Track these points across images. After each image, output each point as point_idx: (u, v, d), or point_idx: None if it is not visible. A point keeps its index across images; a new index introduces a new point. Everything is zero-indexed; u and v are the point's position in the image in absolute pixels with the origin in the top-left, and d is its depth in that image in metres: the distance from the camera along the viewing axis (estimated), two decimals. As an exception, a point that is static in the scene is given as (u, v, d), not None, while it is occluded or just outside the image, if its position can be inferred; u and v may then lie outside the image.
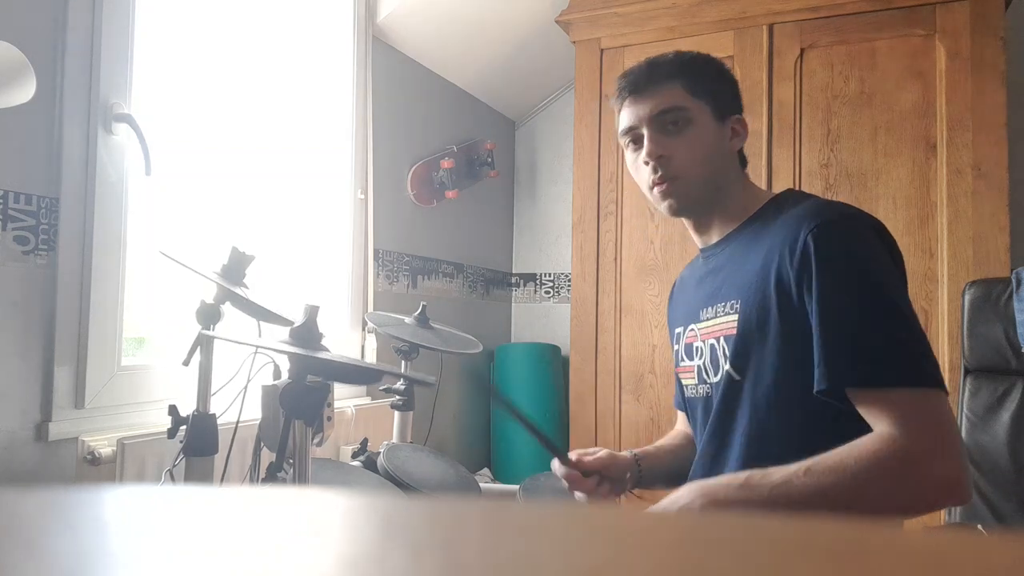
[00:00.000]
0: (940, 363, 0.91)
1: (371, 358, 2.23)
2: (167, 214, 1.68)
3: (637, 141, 1.06)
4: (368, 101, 2.28)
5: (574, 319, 2.36)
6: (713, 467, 1.03)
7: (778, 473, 0.86)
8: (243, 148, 1.88)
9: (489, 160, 2.81)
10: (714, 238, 1.10)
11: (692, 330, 1.10)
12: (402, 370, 1.58)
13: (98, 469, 1.41)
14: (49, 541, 0.19)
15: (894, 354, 0.87)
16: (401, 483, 1.26)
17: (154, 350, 1.71)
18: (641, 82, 1.04)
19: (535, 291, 3.21)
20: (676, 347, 1.15)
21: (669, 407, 2.13)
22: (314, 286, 2.12)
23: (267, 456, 1.10)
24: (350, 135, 2.25)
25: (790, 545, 0.20)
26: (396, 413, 1.60)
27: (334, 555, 0.19)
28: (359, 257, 2.27)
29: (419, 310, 1.64)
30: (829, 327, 0.89)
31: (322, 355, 1.00)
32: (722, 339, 1.02)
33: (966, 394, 1.53)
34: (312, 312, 1.05)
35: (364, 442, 1.50)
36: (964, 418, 1.52)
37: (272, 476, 1.06)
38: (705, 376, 1.06)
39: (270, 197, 1.97)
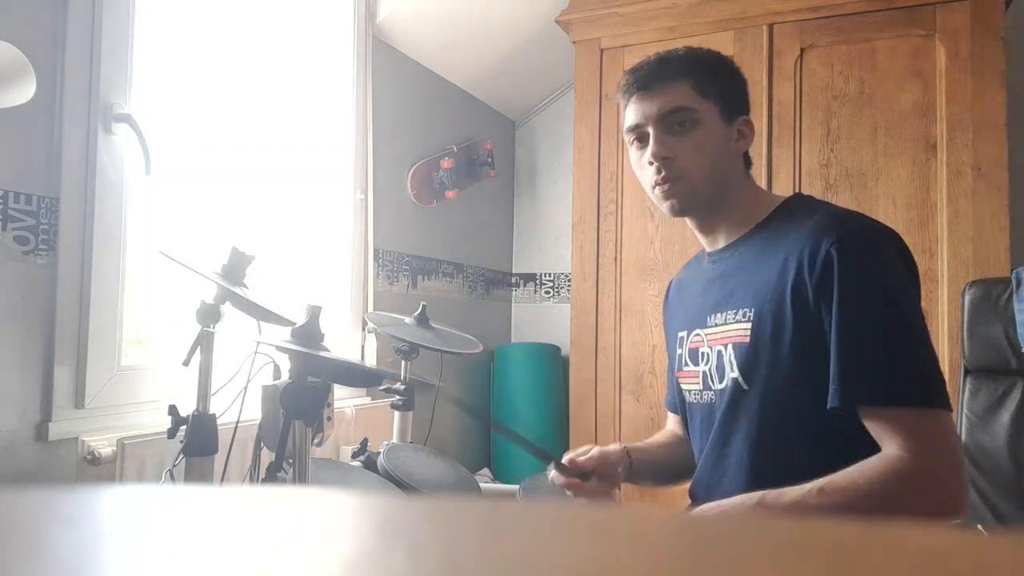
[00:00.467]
0: (940, 363, 0.92)
1: (371, 358, 2.22)
2: (167, 214, 1.68)
3: (642, 139, 1.04)
4: (368, 101, 2.28)
5: (574, 319, 2.36)
6: (716, 473, 1.02)
7: (792, 493, 0.86)
8: (243, 148, 1.88)
9: (489, 160, 2.81)
10: (721, 242, 1.08)
11: (698, 335, 1.08)
12: (402, 370, 1.58)
13: (98, 469, 1.41)
14: (49, 541, 0.19)
15: (908, 375, 0.88)
16: (401, 483, 1.26)
17: (154, 350, 1.71)
18: (650, 79, 1.02)
19: (535, 291, 3.21)
20: (679, 351, 1.14)
21: (669, 407, 2.13)
22: (314, 286, 2.12)
23: (267, 456, 1.10)
24: (350, 135, 2.25)
25: (790, 545, 0.20)
26: (396, 413, 1.60)
27: (334, 555, 0.19)
28: (359, 257, 2.27)
29: (419, 310, 1.64)
30: (847, 344, 0.89)
31: (325, 355, 1.00)
32: (730, 346, 1.00)
33: (966, 394, 1.53)
34: (314, 312, 1.05)
35: (364, 442, 1.50)
36: (964, 418, 1.52)
37: (272, 476, 1.06)
38: (710, 383, 1.05)
39: (270, 197, 1.97)
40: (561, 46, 2.57)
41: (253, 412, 1.17)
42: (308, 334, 1.04)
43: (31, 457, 1.37)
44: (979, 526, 1.43)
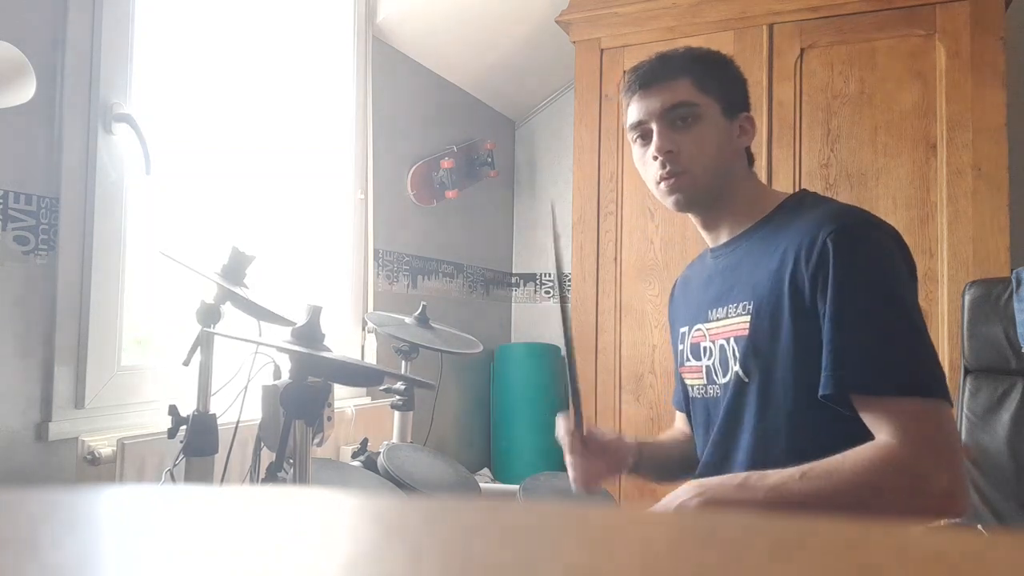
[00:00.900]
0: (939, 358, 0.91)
1: (371, 358, 2.23)
2: (167, 214, 1.68)
3: (645, 136, 1.05)
4: (368, 101, 2.28)
5: (574, 319, 2.36)
6: (721, 469, 1.02)
7: (775, 476, 0.86)
8: (243, 148, 1.88)
9: (489, 160, 2.81)
10: (724, 237, 1.09)
11: (699, 330, 1.09)
12: (402, 370, 1.58)
13: (98, 469, 1.41)
14: (49, 541, 0.19)
15: (901, 363, 0.88)
16: (401, 483, 1.26)
17: (154, 350, 1.71)
18: (651, 76, 1.04)
19: (535, 291, 3.21)
20: (681, 347, 1.14)
21: (669, 407, 2.12)
22: (314, 286, 2.12)
23: (267, 456, 1.11)
24: (350, 135, 2.25)
25: (789, 545, 0.20)
26: (396, 413, 1.60)
27: (334, 555, 0.19)
28: (359, 257, 2.27)
29: (419, 310, 1.65)
30: (839, 332, 0.89)
31: (326, 355, 1.00)
32: (732, 340, 1.01)
33: (966, 394, 1.53)
34: (315, 312, 1.05)
35: (364, 442, 1.50)
36: (964, 418, 1.52)
37: (272, 476, 1.06)
38: (714, 377, 1.05)
39: (270, 197, 1.97)
40: (561, 46, 2.57)
41: (253, 412, 1.17)
42: (308, 334, 1.04)
43: (31, 457, 1.37)
44: (979, 526, 1.43)
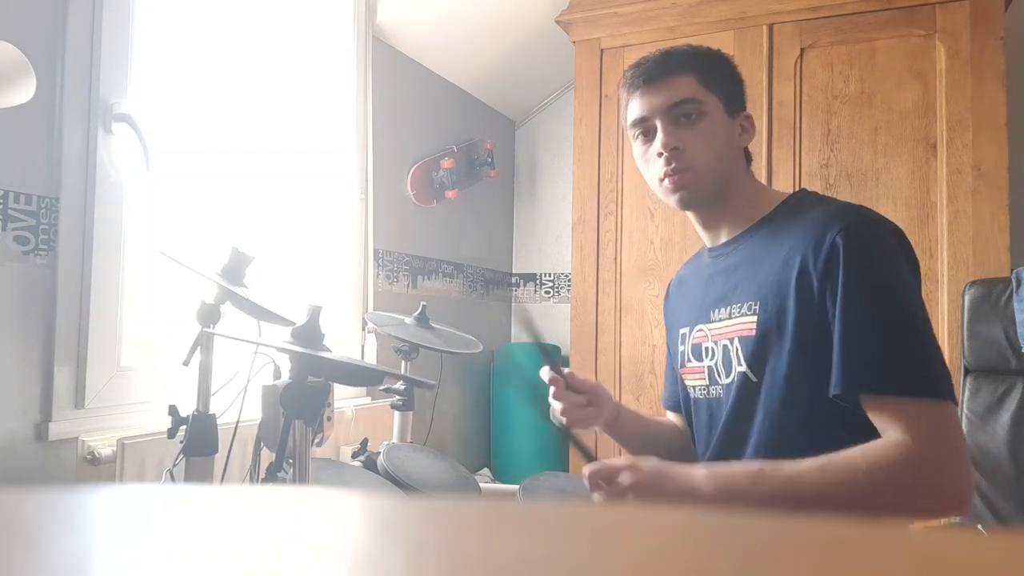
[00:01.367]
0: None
1: (371, 358, 2.22)
2: (167, 214, 1.68)
3: (647, 133, 1.04)
4: (368, 101, 2.28)
5: (574, 319, 2.36)
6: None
7: (790, 467, 0.86)
8: (243, 148, 1.88)
9: (489, 160, 2.81)
10: (723, 236, 1.08)
11: (701, 330, 1.08)
12: (402, 370, 1.58)
13: (98, 469, 1.41)
14: (49, 541, 0.19)
15: (911, 364, 0.88)
16: (401, 483, 1.26)
17: (154, 350, 1.71)
18: (655, 72, 1.02)
19: (535, 291, 3.21)
20: (681, 348, 1.13)
21: (669, 407, 2.13)
22: (314, 286, 2.12)
23: (267, 456, 1.10)
24: (350, 135, 2.25)
25: (790, 545, 0.20)
26: (396, 413, 1.60)
27: (334, 555, 0.19)
28: (359, 257, 2.27)
29: (419, 310, 1.64)
30: (849, 332, 0.89)
31: (325, 355, 1.00)
32: (737, 340, 1.00)
33: (966, 394, 1.53)
34: (315, 312, 1.05)
35: (364, 442, 1.50)
36: (964, 418, 1.52)
37: (272, 476, 1.06)
38: (717, 377, 1.05)
39: (270, 197, 1.97)
40: (561, 46, 2.57)
41: (253, 412, 1.17)
42: (308, 334, 1.04)
43: (31, 457, 1.37)
44: (979, 526, 1.43)
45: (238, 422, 1.26)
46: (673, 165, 1.01)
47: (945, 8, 1.96)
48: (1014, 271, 1.48)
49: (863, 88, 2.05)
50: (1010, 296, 1.47)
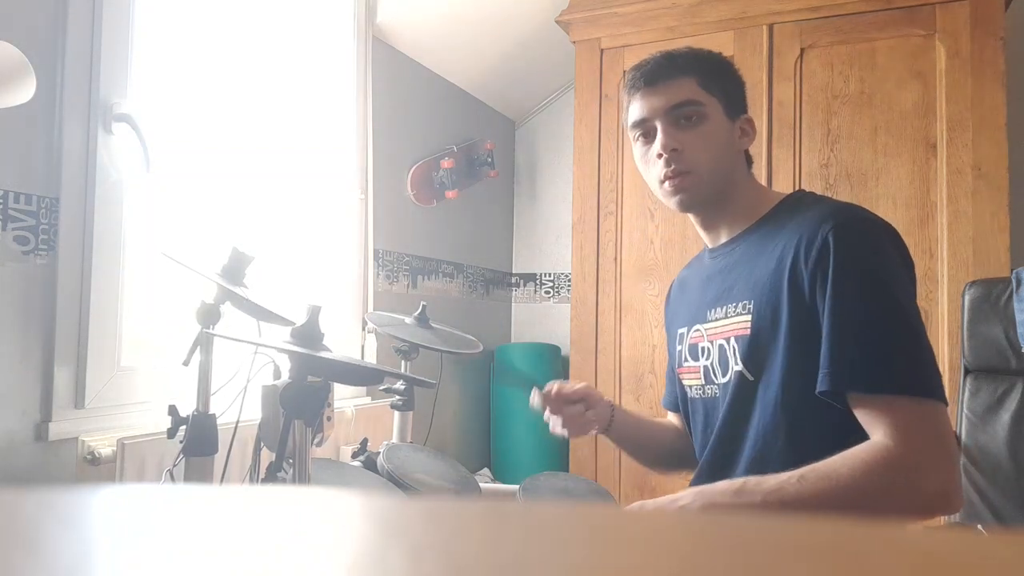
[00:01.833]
0: (940, 363, 0.91)
1: (371, 358, 2.22)
2: (167, 214, 1.68)
3: (648, 134, 1.04)
4: (368, 101, 2.28)
5: (574, 319, 2.36)
6: (724, 467, 1.02)
7: (772, 480, 0.86)
8: (243, 148, 1.88)
9: (489, 160, 2.81)
10: (723, 237, 1.09)
11: (698, 330, 1.09)
12: (402, 370, 1.58)
13: (98, 469, 1.41)
14: (49, 541, 0.19)
15: (898, 363, 0.88)
16: (401, 483, 1.26)
17: (154, 350, 1.71)
18: (656, 74, 1.03)
19: (535, 291, 3.21)
20: (679, 348, 1.14)
21: (669, 407, 2.13)
22: (314, 286, 2.12)
23: (267, 456, 1.10)
24: (350, 135, 2.25)
25: (790, 545, 0.20)
26: (396, 413, 1.60)
27: (334, 555, 0.19)
28: (359, 257, 2.27)
29: (419, 310, 1.64)
30: (838, 329, 0.89)
31: (325, 355, 1.00)
32: (732, 339, 1.01)
33: (966, 394, 1.53)
34: (315, 312, 1.05)
35: (364, 442, 1.50)
36: (964, 418, 1.52)
37: (272, 476, 1.06)
38: (712, 377, 1.05)
39: (270, 197, 1.97)
40: (561, 46, 2.57)
41: (253, 412, 1.17)
42: (308, 334, 1.04)
43: (31, 457, 1.37)
44: (979, 526, 1.43)
45: (238, 422, 1.26)
46: (673, 167, 1.01)
47: (945, 8, 1.96)
48: (1014, 271, 1.48)
49: (863, 88, 2.05)
50: (1010, 296, 1.47)
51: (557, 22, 2.42)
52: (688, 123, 1.01)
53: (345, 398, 2.09)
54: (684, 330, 1.13)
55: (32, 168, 1.38)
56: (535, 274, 3.22)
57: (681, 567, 0.19)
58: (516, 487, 1.34)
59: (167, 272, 1.63)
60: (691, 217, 1.11)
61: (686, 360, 1.12)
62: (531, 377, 2.80)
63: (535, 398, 1.13)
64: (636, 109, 1.05)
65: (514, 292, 3.25)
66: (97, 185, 1.47)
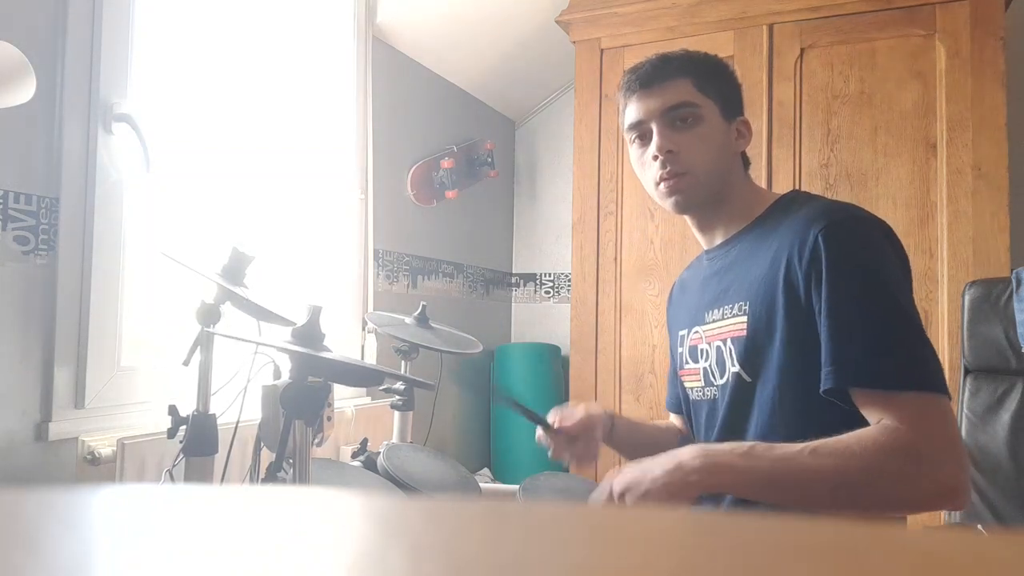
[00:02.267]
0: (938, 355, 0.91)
1: (371, 358, 2.22)
2: (167, 214, 1.68)
3: (644, 136, 1.04)
4: (368, 101, 2.28)
5: (574, 319, 2.36)
6: None
7: (782, 448, 0.85)
8: (243, 148, 1.88)
9: (489, 160, 2.81)
10: (718, 239, 1.09)
11: (696, 332, 1.09)
12: (402, 370, 1.58)
13: (98, 469, 1.41)
14: (49, 541, 0.19)
15: (901, 357, 0.87)
16: (401, 483, 1.26)
17: (154, 350, 1.71)
18: (652, 76, 1.03)
19: (535, 291, 3.21)
20: (680, 350, 1.14)
21: (669, 407, 2.13)
22: (314, 286, 2.12)
23: (267, 456, 1.10)
24: (350, 135, 2.25)
25: (790, 545, 0.20)
26: (396, 413, 1.60)
27: (334, 555, 0.19)
28: (359, 257, 2.27)
29: (419, 310, 1.64)
30: (837, 327, 0.89)
31: (325, 355, 1.00)
32: (729, 341, 1.01)
33: (966, 394, 1.53)
34: (315, 312, 1.05)
35: (364, 442, 1.50)
36: (964, 418, 1.52)
37: (272, 476, 1.06)
38: (711, 378, 1.05)
39: (270, 197, 1.97)
40: (561, 46, 2.57)
41: (253, 412, 1.17)
42: (308, 334, 1.04)
43: (31, 457, 1.37)
44: (979, 526, 1.43)
45: (238, 422, 1.26)
46: (669, 168, 1.01)
47: (945, 8, 1.96)
48: (1014, 271, 1.48)
49: (863, 88, 2.05)
50: (1010, 296, 1.47)
51: (557, 22, 2.42)
52: (684, 125, 1.02)
53: (345, 398, 2.09)
54: (684, 332, 1.13)
55: (32, 168, 1.38)
56: (535, 274, 3.22)
57: (681, 567, 0.19)
58: (516, 487, 1.34)
59: (167, 272, 1.63)
60: (687, 219, 1.11)
61: (687, 362, 1.12)
62: (526, 385, 2.80)
63: (540, 436, 1.14)
64: (632, 111, 1.05)
65: (514, 292, 3.25)
66: (97, 185, 1.47)
